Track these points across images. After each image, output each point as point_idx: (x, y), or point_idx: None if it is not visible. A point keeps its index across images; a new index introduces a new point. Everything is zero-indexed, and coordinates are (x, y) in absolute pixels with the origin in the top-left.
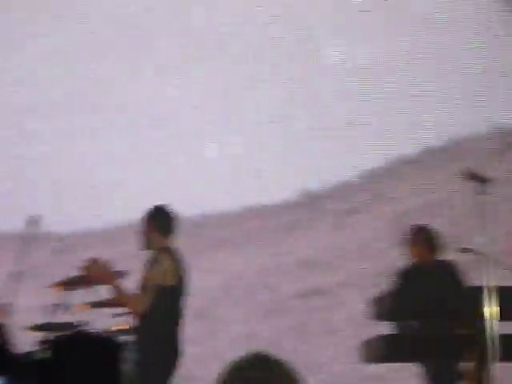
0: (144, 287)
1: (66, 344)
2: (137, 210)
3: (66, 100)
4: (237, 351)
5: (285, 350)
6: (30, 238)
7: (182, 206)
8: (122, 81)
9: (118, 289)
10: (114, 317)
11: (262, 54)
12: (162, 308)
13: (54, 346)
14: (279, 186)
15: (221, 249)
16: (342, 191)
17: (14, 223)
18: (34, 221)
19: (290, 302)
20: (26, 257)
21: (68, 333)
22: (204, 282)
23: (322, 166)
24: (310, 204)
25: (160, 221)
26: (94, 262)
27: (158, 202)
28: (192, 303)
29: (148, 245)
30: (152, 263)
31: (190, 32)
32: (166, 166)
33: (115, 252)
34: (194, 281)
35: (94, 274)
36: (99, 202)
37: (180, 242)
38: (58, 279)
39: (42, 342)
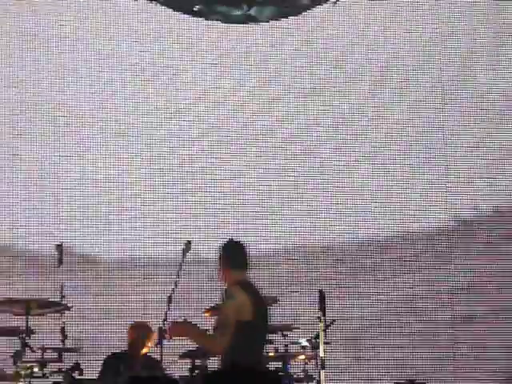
0: (221, 323)
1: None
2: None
3: None
4: (385, 378)
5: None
6: (185, 263)
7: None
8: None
9: (196, 338)
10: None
11: None
12: (241, 343)
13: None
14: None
15: (366, 275)
16: (494, 218)
17: (168, 248)
18: (188, 246)
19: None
20: (179, 281)
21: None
22: (350, 309)
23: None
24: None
25: (232, 256)
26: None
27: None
28: (341, 330)
29: (223, 280)
30: (226, 299)
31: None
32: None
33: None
34: (341, 308)
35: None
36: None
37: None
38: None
39: (192, 369)
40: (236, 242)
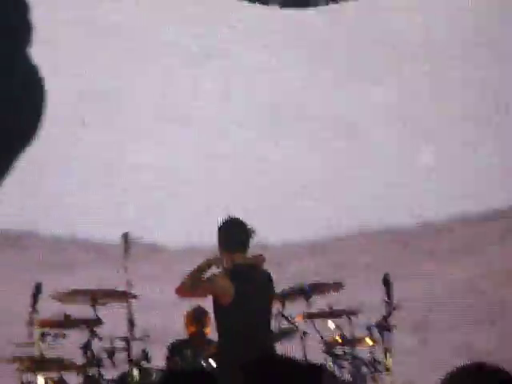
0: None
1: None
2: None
3: None
4: (453, 361)
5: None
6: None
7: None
8: None
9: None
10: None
11: None
12: (226, 330)
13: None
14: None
15: (429, 258)
16: None
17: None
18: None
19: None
20: None
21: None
22: (415, 292)
23: None
24: None
25: (224, 238)
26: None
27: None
28: (406, 314)
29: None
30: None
31: None
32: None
33: (324, 263)
34: (406, 291)
35: None
36: (305, 214)
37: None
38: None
39: None
40: (228, 220)
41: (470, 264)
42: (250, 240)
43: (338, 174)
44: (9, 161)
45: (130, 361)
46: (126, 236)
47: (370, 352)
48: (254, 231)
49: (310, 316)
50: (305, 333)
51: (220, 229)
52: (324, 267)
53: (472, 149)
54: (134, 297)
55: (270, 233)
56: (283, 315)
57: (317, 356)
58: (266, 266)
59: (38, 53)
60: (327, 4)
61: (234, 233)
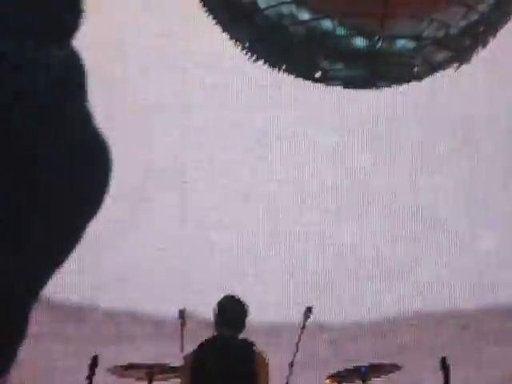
0: None
1: None
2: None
3: None
4: None
5: None
6: (305, 328)
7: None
8: None
9: None
10: None
11: None
12: None
13: None
14: None
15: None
16: None
17: (291, 315)
18: (308, 311)
19: None
20: (302, 347)
21: None
22: (479, 378)
23: None
24: None
25: (217, 316)
26: None
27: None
28: None
29: None
30: None
31: None
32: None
33: (385, 344)
34: (470, 377)
35: None
36: (363, 294)
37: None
38: (333, 371)
39: None
40: (223, 299)
41: None
42: (240, 320)
43: (404, 259)
44: (80, 226)
45: None
46: (182, 312)
47: None
48: (246, 311)
49: None
50: None
51: (216, 307)
52: (384, 349)
53: None
54: None
55: (330, 312)
56: None
57: None
58: (326, 347)
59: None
60: (389, 86)
61: (226, 311)
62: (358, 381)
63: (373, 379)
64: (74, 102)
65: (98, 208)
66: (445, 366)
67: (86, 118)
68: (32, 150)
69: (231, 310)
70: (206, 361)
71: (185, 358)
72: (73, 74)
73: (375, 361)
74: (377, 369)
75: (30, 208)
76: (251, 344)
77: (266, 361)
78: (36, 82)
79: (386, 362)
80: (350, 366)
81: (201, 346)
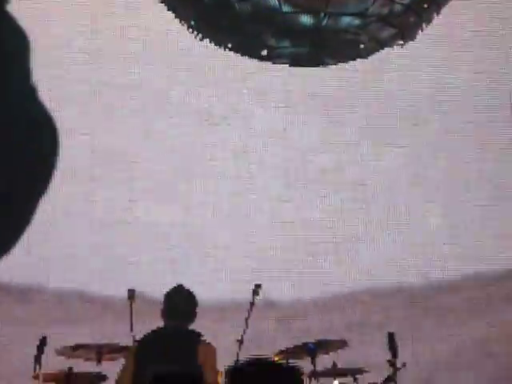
0: None
1: None
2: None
3: None
4: None
5: None
6: (254, 306)
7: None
8: None
9: None
10: None
11: None
12: None
13: None
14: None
15: (442, 318)
16: None
17: (241, 292)
18: (257, 288)
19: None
20: (250, 325)
21: None
22: (427, 353)
23: None
24: None
25: (163, 306)
26: None
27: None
28: (418, 374)
29: None
30: None
31: None
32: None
33: (333, 321)
34: (418, 352)
35: None
36: (311, 271)
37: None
38: (281, 348)
39: None
40: (172, 289)
41: (481, 325)
42: (186, 309)
43: (351, 235)
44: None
45: None
46: (131, 292)
47: None
48: (194, 300)
49: (314, 374)
50: None
51: (164, 297)
52: (333, 326)
53: (487, 211)
54: None
55: (279, 290)
56: None
57: None
58: (274, 324)
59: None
60: (336, 63)
61: (170, 301)
62: (306, 357)
63: (321, 355)
64: (17, 75)
65: (46, 187)
66: (392, 342)
67: (30, 92)
68: None
69: (178, 301)
70: (147, 352)
71: (130, 348)
72: (13, 46)
73: (323, 337)
74: (325, 345)
75: None
76: (196, 335)
77: (213, 350)
78: None
79: (333, 338)
80: (299, 342)
81: (145, 336)
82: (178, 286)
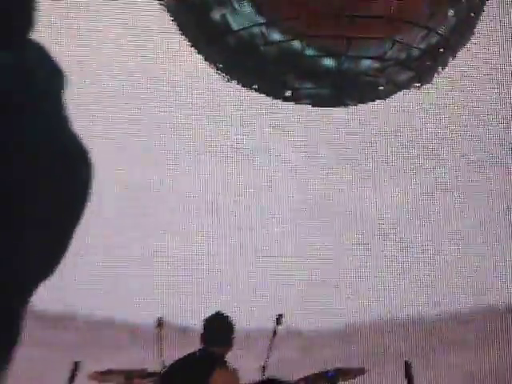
0: None
1: None
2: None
3: None
4: None
5: None
6: (277, 334)
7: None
8: None
9: None
10: None
11: None
12: None
13: None
14: None
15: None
16: None
17: (262, 321)
18: (280, 319)
19: None
20: (272, 353)
21: None
22: (442, 382)
23: None
24: None
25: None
26: None
27: None
28: None
29: None
30: None
31: None
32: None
33: (350, 350)
34: (432, 381)
35: None
36: (339, 302)
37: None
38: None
39: None
40: (211, 315)
41: (493, 355)
42: (224, 335)
43: (364, 268)
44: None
45: None
46: (160, 320)
47: None
48: (232, 327)
49: None
50: None
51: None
52: (351, 355)
53: (497, 247)
54: None
55: (301, 320)
56: None
57: None
58: (295, 353)
59: None
60: (356, 104)
61: (209, 326)
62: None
63: (340, 383)
64: (48, 104)
65: (80, 215)
66: (407, 369)
67: (63, 121)
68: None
69: (217, 326)
70: (171, 377)
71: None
72: (44, 76)
73: (342, 365)
74: (344, 373)
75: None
76: (218, 357)
77: (230, 374)
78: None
79: (352, 366)
80: (318, 370)
81: (173, 362)
82: (217, 312)
